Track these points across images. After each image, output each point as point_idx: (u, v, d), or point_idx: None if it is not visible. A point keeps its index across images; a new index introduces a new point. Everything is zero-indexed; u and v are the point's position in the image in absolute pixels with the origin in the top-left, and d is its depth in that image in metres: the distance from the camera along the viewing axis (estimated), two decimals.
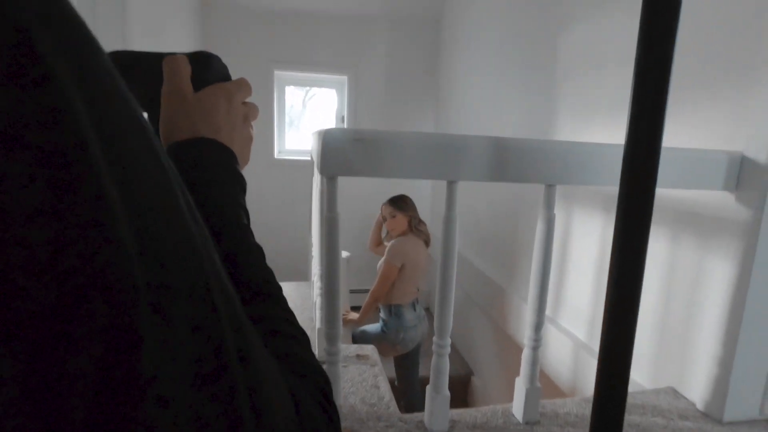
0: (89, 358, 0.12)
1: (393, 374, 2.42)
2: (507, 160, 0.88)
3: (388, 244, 2.26)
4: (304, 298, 1.96)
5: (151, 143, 0.16)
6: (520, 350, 1.07)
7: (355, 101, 3.52)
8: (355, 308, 2.41)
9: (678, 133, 1.22)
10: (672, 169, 1.01)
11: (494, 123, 2.54)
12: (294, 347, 0.27)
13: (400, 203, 2.27)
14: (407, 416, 1.05)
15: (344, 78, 3.50)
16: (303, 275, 2.72)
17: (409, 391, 2.36)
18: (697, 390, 1.14)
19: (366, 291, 2.35)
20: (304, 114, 3.85)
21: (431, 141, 0.86)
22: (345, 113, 3.59)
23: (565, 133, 1.79)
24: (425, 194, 3.78)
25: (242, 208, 0.35)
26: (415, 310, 2.31)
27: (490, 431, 1.01)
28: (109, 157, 0.14)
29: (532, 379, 1.03)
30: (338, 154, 0.82)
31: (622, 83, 1.47)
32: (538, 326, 1.02)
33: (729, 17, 1.10)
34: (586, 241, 1.65)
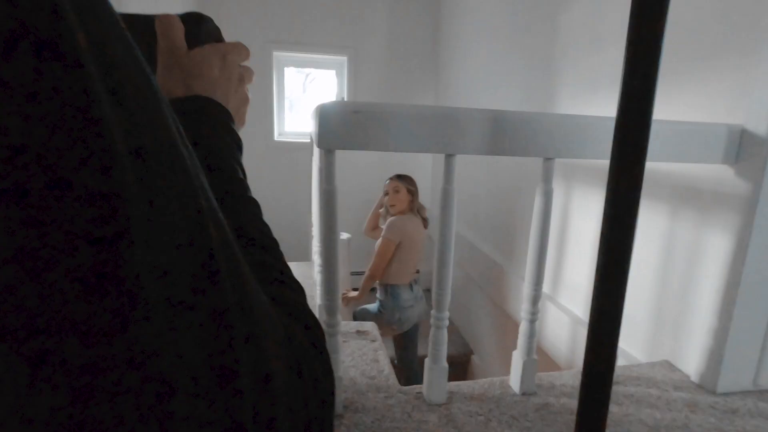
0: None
1: (393, 353, 2.46)
2: (504, 133, 0.88)
3: (386, 221, 2.26)
4: (305, 277, 1.98)
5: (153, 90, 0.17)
6: (519, 328, 1.09)
7: (355, 82, 3.48)
8: (356, 290, 2.43)
9: (680, 105, 1.21)
10: (671, 143, 1.01)
11: (495, 99, 2.52)
12: (289, 294, 0.27)
13: (407, 180, 2.27)
14: (406, 388, 1.08)
15: (344, 59, 3.46)
16: (304, 255, 2.74)
17: (407, 370, 2.40)
18: (692, 362, 1.16)
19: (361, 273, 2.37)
20: (303, 98, 3.82)
21: (429, 113, 0.86)
22: (345, 94, 3.55)
23: (564, 108, 1.78)
24: (426, 175, 3.77)
25: (239, 164, 0.36)
26: (412, 290, 2.33)
27: (487, 401, 1.03)
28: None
29: (529, 351, 1.05)
30: (336, 127, 0.81)
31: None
32: (535, 299, 1.04)
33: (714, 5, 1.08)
34: (585, 220, 1.65)
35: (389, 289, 2.30)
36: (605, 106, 1.54)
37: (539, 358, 1.10)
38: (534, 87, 2.06)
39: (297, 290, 0.29)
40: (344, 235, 2.92)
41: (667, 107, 1.25)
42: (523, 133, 0.89)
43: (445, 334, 0.99)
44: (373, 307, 2.38)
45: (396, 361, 2.46)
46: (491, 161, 2.53)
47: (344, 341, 1.29)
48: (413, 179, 2.30)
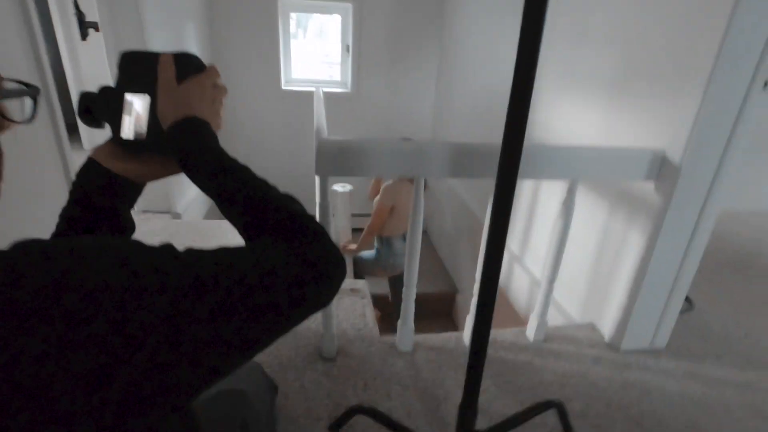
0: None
1: (386, 291, 2.87)
2: (462, 161, 1.12)
3: (384, 185, 2.52)
4: None
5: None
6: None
7: (360, 30, 3.50)
8: (357, 230, 2.72)
9: (623, 130, 1.42)
10: (608, 164, 1.24)
11: (497, 51, 2.60)
12: (295, 207, 0.47)
13: None
14: (384, 338, 1.43)
15: (348, 5, 3.44)
16: (309, 199, 3.04)
17: (397, 305, 2.81)
18: (607, 326, 1.49)
19: (367, 215, 2.65)
20: (310, 41, 3.85)
21: (403, 148, 1.09)
22: (350, 42, 3.59)
23: (548, 94, 1.94)
24: (426, 134, 3.92)
25: (223, 151, 0.51)
26: (404, 240, 2.65)
27: (443, 352, 1.39)
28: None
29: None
30: (330, 159, 1.06)
31: (602, 54, 1.60)
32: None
33: (663, 37, 1.23)
34: (550, 197, 1.90)
35: (384, 240, 2.63)
36: (582, 97, 1.72)
37: (506, 309, 1.42)
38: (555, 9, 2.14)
39: (296, 202, 0.48)
40: (346, 187, 3.20)
41: (614, 132, 1.46)
42: (475, 161, 1.12)
43: (412, 305, 1.31)
44: (371, 253, 2.73)
45: (390, 298, 2.87)
46: (485, 132, 2.70)
47: (339, 298, 1.63)
48: None
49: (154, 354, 0.30)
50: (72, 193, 0.54)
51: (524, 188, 2.09)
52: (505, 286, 2.32)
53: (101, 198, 0.54)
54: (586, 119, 1.67)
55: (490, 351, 1.39)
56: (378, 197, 2.51)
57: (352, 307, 1.61)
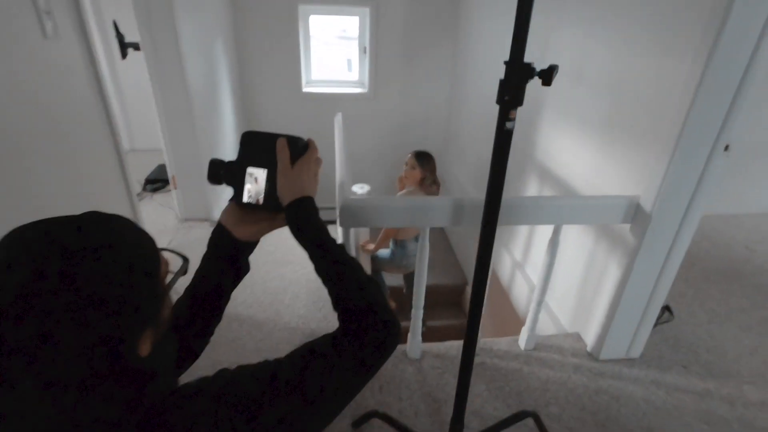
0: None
1: (401, 284, 3.15)
2: (461, 213, 1.34)
3: (399, 194, 2.74)
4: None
5: None
6: (506, 266, 1.64)
7: (377, 32, 3.63)
8: (375, 229, 2.97)
9: (609, 169, 1.61)
10: (586, 211, 1.44)
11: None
12: (375, 294, 0.62)
13: (423, 160, 2.64)
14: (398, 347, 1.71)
15: (366, 9, 3.56)
16: (329, 198, 3.29)
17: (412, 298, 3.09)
18: (590, 337, 1.73)
19: None
20: (328, 43, 3.98)
21: (410, 203, 1.32)
22: (367, 44, 3.72)
23: (548, 125, 2.10)
24: (440, 132, 4.07)
25: (325, 227, 0.66)
26: (416, 241, 2.89)
27: (446, 359, 1.65)
28: None
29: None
30: (351, 214, 1.30)
31: (595, 98, 1.77)
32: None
33: (641, 95, 1.39)
34: None
35: (399, 243, 2.87)
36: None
37: (509, 312, 1.66)
38: (554, 41, 2.14)
39: (376, 288, 0.67)
40: (364, 188, 3.43)
41: (602, 168, 1.65)
42: (473, 213, 1.34)
43: (419, 324, 1.57)
44: (386, 253, 2.99)
45: (404, 290, 3.16)
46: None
47: None
48: (431, 158, 2.65)
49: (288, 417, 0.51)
50: (207, 251, 0.71)
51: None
52: (507, 289, 2.56)
53: (227, 255, 0.71)
54: (578, 152, 1.85)
55: (485, 358, 1.66)
56: None
57: None
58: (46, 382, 0.39)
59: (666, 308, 1.95)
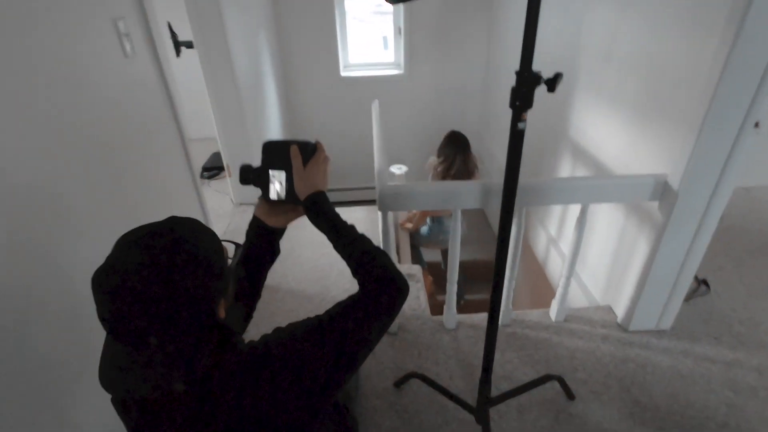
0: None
1: (439, 259, 3.28)
2: (488, 196, 1.45)
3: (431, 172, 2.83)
4: (373, 223, 2.71)
5: None
6: (541, 241, 1.74)
7: (410, 12, 3.66)
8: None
9: (639, 147, 1.64)
10: (613, 190, 1.51)
11: (544, 35, 2.73)
12: (386, 261, 0.83)
13: (443, 148, 2.67)
14: (434, 318, 1.86)
15: None
16: (367, 179, 3.42)
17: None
18: (621, 309, 1.80)
19: None
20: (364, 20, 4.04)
21: (442, 188, 1.45)
22: (401, 24, 3.77)
23: (580, 102, 2.12)
24: (475, 107, 4.08)
25: (337, 214, 0.86)
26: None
27: (479, 329, 1.80)
28: None
29: (507, 302, 1.75)
30: (389, 199, 1.44)
31: (626, 77, 1.78)
32: (506, 293, 1.69)
33: (671, 73, 1.41)
34: None
35: (435, 219, 3.00)
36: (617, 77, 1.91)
37: (545, 286, 1.76)
38: (587, 20, 2.12)
39: (384, 255, 0.84)
40: (402, 168, 3.56)
41: (632, 144, 1.68)
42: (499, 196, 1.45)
43: (454, 297, 1.72)
44: (424, 229, 3.13)
45: (442, 266, 3.30)
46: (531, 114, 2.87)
47: None
48: (458, 140, 2.71)
49: (332, 362, 0.69)
50: (247, 239, 0.90)
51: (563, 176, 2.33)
52: (543, 264, 2.64)
53: (263, 240, 0.91)
54: (610, 130, 1.88)
55: (517, 329, 1.79)
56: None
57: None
58: (165, 337, 0.57)
59: (703, 281, 1.98)
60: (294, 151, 0.83)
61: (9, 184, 0.83)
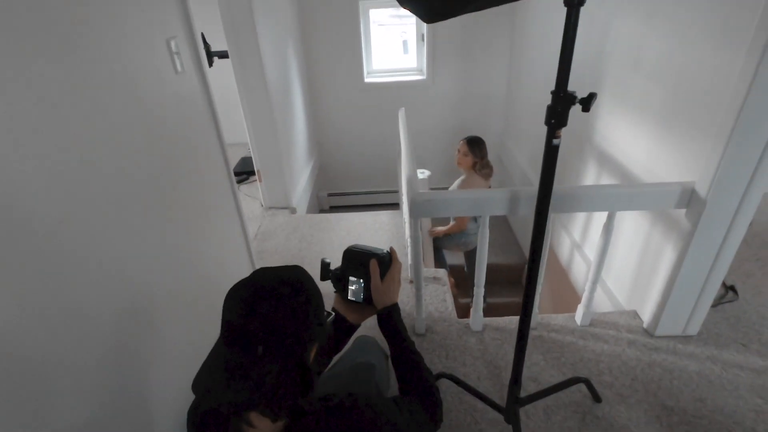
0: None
1: (462, 262, 3.32)
2: (516, 203, 1.50)
3: (457, 181, 2.89)
4: (397, 227, 2.78)
5: None
6: (565, 246, 1.79)
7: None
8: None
9: (665, 155, 1.67)
10: (646, 198, 1.53)
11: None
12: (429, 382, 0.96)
13: (474, 146, 2.76)
14: (460, 320, 1.92)
15: None
16: (391, 182, 3.49)
17: (472, 275, 3.26)
18: (647, 314, 1.82)
19: (443, 188, 3.09)
20: (384, 24, 4.13)
21: (468, 196, 1.50)
22: (424, 30, 3.83)
23: (605, 108, 2.14)
24: (498, 113, 4.11)
25: (405, 328, 0.99)
26: (476, 222, 3.03)
27: (505, 332, 1.84)
28: None
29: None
30: (419, 207, 1.51)
31: (653, 84, 1.81)
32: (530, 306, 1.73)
33: (700, 80, 1.43)
34: None
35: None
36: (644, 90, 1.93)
37: (568, 290, 1.80)
38: (614, 28, 2.17)
39: (431, 377, 0.97)
40: (425, 173, 3.61)
41: (658, 152, 1.71)
42: (526, 203, 1.50)
43: (481, 300, 1.77)
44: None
45: (465, 269, 3.34)
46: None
47: (425, 285, 2.13)
48: (482, 143, 2.77)
49: None
50: (333, 331, 1.01)
51: (588, 182, 2.35)
52: (566, 268, 2.66)
53: (340, 331, 1.01)
54: (636, 139, 1.90)
55: (543, 332, 1.83)
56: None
57: (435, 293, 2.10)
58: (270, 351, 0.65)
59: (731, 288, 1.98)
60: (373, 265, 0.93)
61: (75, 192, 0.93)
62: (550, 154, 0.89)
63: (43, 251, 0.80)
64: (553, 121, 0.84)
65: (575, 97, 0.81)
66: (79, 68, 0.93)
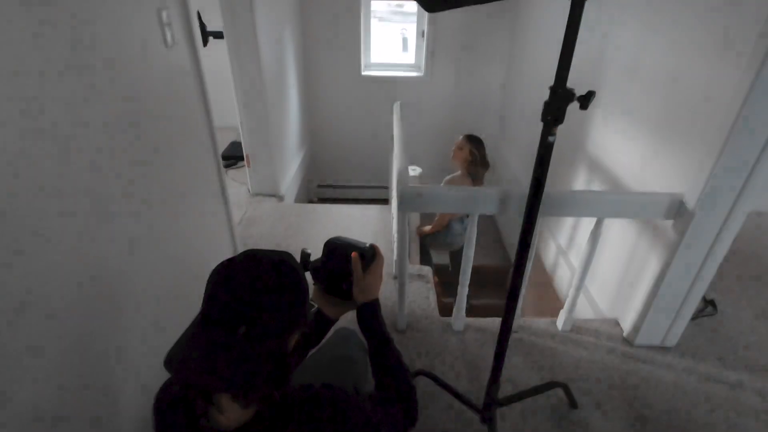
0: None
1: (447, 262, 3.32)
2: (506, 202, 1.48)
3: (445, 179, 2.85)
4: (385, 222, 2.75)
5: None
6: (550, 251, 1.77)
7: (434, 16, 3.68)
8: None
9: (656, 164, 1.67)
10: (629, 206, 1.53)
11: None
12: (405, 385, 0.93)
13: (473, 141, 2.70)
14: (442, 319, 1.90)
15: None
16: (382, 177, 3.46)
17: (457, 274, 3.25)
18: (627, 323, 1.83)
19: None
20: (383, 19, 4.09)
21: (460, 193, 1.48)
22: (425, 27, 3.80)
23: (600, 118, 2.14)
24: (494, 112, 4.10)
25: (384, 323, 0.96)
26: (462, 223, 3.02)
27: (487, 333, 1.83)
28: None
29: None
30: (408, 201, 1.48)
31: (648, 93, 1.81)
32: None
33: (695, 92, 1.43)
34: None
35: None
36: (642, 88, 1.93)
37: (552, 296, 1.80)
38: (612, 35, 2.14)
39: (409, 375, 0.95)
40: (416, 170, 3.59)
41: (650, 162, 1.71)
42: (518, 203, 1.48)
43: (464, 300, 1.75)
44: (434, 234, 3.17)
45: (449, 268, 3.33)
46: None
47: (409, 282, 2.11)
48: (482, 142, 2.73)
49: None
50: (313, 324, 0.98)
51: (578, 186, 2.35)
52: (551, 273, 2.66)
53: (319, 325, 0.99)
54: (628, 147, 1.90)
55: (524, 335, 1.82)
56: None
57: (418, 291, 2.08)
58: (251, 333, 0.62)
59: (710, 302, 2.00)
60: (355, 259, 0.90)
61: (59, 165, 0.88)
62: (545, 151, 0.87)
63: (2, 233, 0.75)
64: (549, 117, 0.82)
65: (573, 94, 0.79)
66: (53, 24, 0.88)
